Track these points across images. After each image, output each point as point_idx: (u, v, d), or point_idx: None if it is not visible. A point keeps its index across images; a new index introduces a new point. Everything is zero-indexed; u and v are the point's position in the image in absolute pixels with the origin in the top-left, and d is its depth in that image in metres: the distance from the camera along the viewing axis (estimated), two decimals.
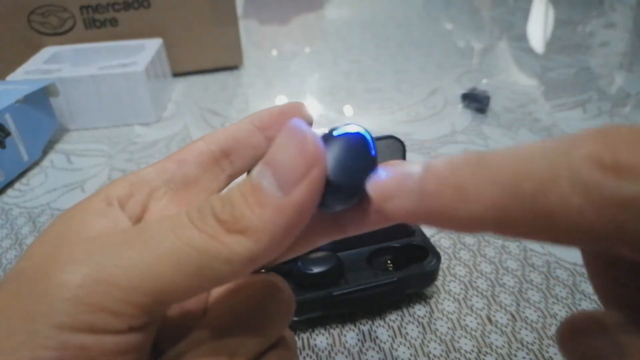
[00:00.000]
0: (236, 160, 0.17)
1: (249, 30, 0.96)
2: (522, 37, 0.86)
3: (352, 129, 0.14)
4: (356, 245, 0.33)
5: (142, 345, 0.13)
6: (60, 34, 0.66)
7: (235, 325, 0.15)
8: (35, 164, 0.53)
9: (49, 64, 0.61)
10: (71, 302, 0.11)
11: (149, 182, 0.16)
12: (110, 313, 0.11)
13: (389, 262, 0.33)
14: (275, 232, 0.12)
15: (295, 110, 0.17)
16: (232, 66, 0.76)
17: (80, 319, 0.11)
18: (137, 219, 0.15)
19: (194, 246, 0.12)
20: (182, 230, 0.12)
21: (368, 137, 0.14)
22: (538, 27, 0.92)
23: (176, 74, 0.73)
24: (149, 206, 0.16)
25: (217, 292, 0.16)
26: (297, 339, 0.31)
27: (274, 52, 0.84)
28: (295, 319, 0.31)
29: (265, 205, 0.12)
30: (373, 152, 0.14)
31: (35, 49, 0.65)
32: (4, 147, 0.48)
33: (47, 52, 0.64)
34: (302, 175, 0.12)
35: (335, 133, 0.14)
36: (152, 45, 0.65)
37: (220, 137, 0.17)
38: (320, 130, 0.17)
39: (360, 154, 0.13)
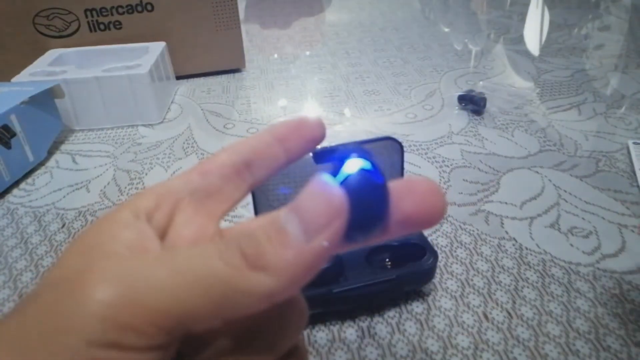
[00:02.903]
0: (256, 170, 0.18)
1: (251, 34, 0.97)
2: (518, 40, 0.87)
3: (354, 166, 0.14)
4: None
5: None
6: (65, 36, 0.67)
7: (255, 336, 0.16)
8: (41, 164, 0.53)
9: (54, 66, 0.61)
10: (101, 320, 0.12)
11: (175, 193, 0.17)
12: (136, 332, 0.12)
13: (387, 260, 0.34)
14: (294, 272, 0.13)
15: (311, 124, 0.18)
16: (234, 69, 0.77)
17: (108, 337, 0.12)
18: (164, 230, 0.16)
19: (219, 277, 0.13)
20: (209, 261, 0.13)
21: (372, 169, 0.14)
22: (534, 30, 0.93)
23: (179, 76, 0.73)
24: (174, 217, 0.16)
25: None
26: None
27: (275, 55, 0.85)
28: None
29: (288, 247, 0.13)
30: (382, 180, 0.14)
31: (40, 51, 0.65)
32: (9, 147, 0.48)
33: (52, 54, 0.65)
34: (325, 224, 0.13)
35: (343, 175, 0.14)
36: (156, 48, 0.65)
37: (241, 148, 0.18)
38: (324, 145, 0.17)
39: (372, 190, 0.14)
